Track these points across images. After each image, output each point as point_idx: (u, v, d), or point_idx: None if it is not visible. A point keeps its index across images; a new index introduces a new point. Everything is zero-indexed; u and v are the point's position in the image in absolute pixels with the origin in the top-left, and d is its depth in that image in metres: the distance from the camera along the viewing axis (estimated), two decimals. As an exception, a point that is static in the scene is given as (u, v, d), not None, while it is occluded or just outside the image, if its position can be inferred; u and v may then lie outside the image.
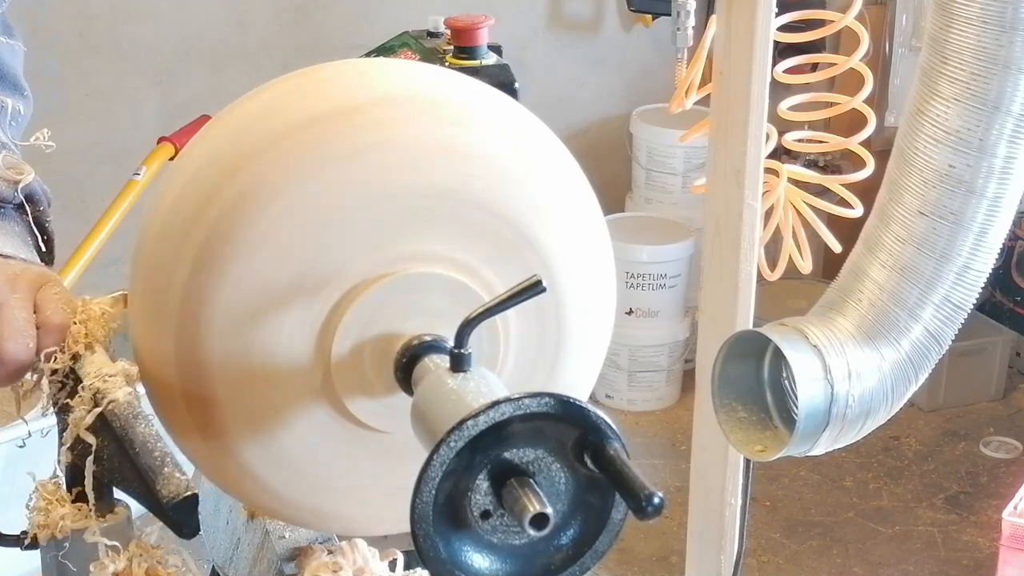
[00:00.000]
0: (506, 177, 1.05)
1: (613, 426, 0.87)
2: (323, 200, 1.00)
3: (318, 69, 1.10)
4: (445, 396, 0.92)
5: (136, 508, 1.04)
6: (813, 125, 2.52)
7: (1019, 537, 2.64)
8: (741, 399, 1.37)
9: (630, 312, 3.79)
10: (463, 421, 0.84)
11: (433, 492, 0.85)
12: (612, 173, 4.12)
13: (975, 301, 1.32)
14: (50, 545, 1.05)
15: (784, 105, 1.95)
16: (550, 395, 0.85)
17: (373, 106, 1.05)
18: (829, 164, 3.88)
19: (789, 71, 1.91)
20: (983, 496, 3.46)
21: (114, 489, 1.04)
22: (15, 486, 1.19)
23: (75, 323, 1.06)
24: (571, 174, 1.11)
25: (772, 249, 1.84)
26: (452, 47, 2.85)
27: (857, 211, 1.87)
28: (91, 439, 1.00)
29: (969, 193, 1.25)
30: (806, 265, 1.93)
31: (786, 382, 1.35)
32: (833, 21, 1.88)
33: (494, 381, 0.94)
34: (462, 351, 0.93)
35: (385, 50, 2.96)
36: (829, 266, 3.17)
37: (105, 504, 1.04)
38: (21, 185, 1.07)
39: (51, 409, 1.07)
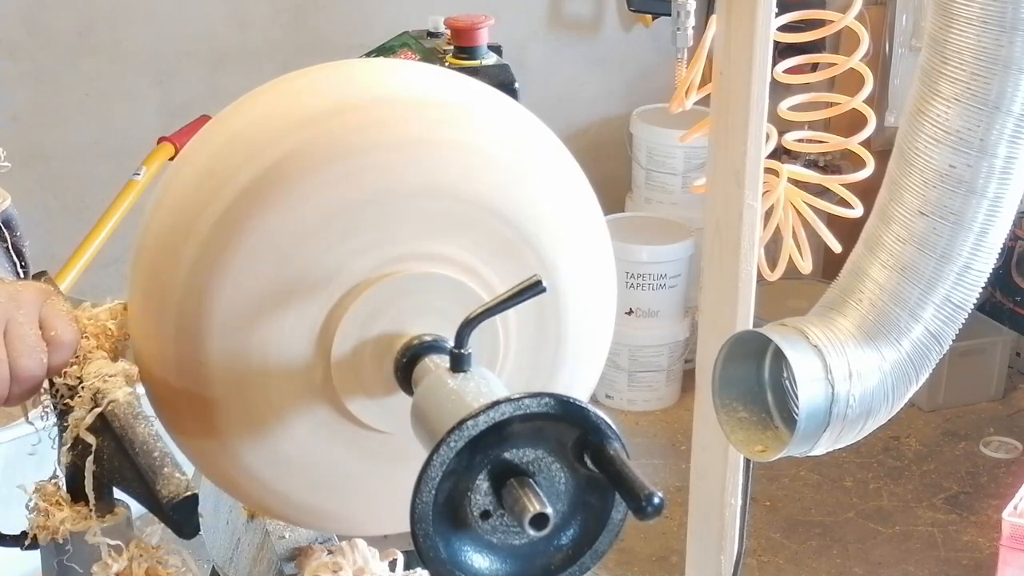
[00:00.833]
0: (506, 177, 1.05)
1: (613, 426, 0.87)
2: (323, 200, 1.00)
3: (317, 69, 1.10)
4: (445, 396, 0.92)
5: (136, 508, 1.04)
6: (813, 125, 2.52)
7: (1019, 537, 2.64)
8: (741, 399, 1.37)
9: (630, 312, 3.79)
10: (463, 421, 0.84)
11: (433, 492, 0.85)
12: (612, 173, 4.12)
13: (975, 301, 1.32)
14: (50, 546, 1.05)
15: (784, 105, 1.95)
16: (550, 395, 0.85)
17: (373, 106, 1.05)
18: (829, 164, 3.88)
19: (789, 71, 1.91)
20: (983, 496, 3.46)
21: (114, 489, 1.04)
22: (15, 486, 1.19)
23: (84, 337, 1.06)
24: (571, 174, 1.11)
25: (772, 249, 1.84)
26: (452, 47, 2.84)
27: (857, 211, 1.87)
28: (91, 439, 1.00)
29: (969, 193, 1.25)
30: (806, 265, 1.93)
31: (787, 382, 1.35)
32: (833, 21, 1.88)
33: (494, 381, 0.94)
34: (462, 351, 0.93)
35: (385, 50, 2.95)
36: (829, 266, 3.17)
37: (105, 504, 1.04)
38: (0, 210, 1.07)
39: (51, 410, 1.07)
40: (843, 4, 2.22)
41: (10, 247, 1.08)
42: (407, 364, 1.01)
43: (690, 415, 1.87)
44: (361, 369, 1.03)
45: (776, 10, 1.63)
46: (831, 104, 1.98)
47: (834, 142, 2.03)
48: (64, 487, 1.05)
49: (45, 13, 3.57)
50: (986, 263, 1.29)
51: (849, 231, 1.51)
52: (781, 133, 1.90)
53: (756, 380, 1.37)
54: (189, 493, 0.94)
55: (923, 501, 3.45)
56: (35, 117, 3.63)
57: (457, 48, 2.82)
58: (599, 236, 1.12)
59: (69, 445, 1.02)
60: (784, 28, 1.75)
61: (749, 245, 1.70)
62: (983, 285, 1.31)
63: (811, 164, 3.76)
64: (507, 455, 0.87)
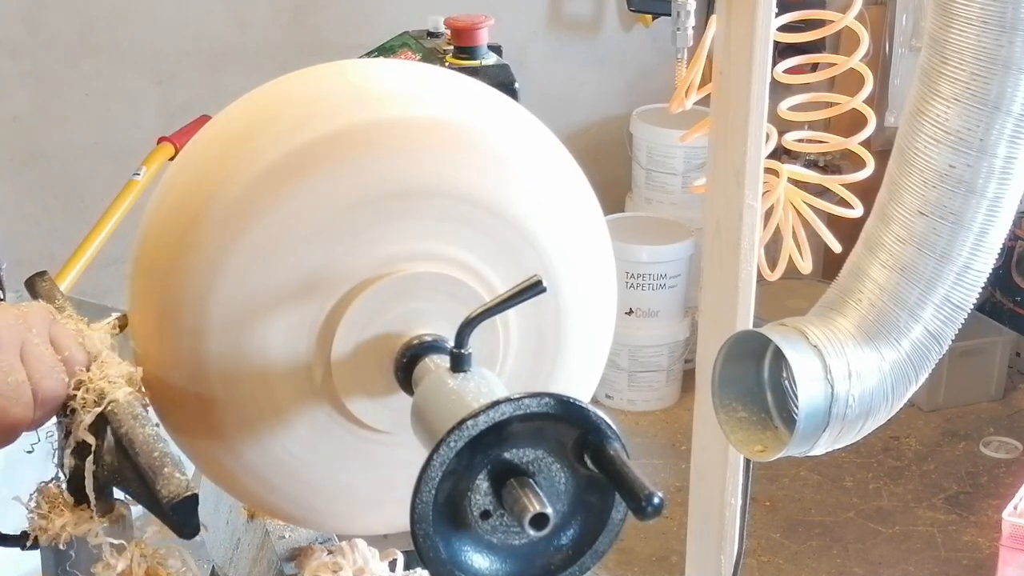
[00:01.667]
0: (506, 177, 1.05)
1: (613, 426, 0.87)
2: (323, 200, 1.00)
3: (317, 69, 1.11)
4: (445, 396, 0.92)
5: (136, 508, 1.04)
6: (813, 125, 2.52)
7: (1019, 537, 2.64)
8: (741, 399, 1.37)
9: (630, 312, 3.79)
10: (463, 421, 0.84)
11: (433, 492, 0.85)
12: (612, 173, 4.12)
13: (975, 301, 1.32)
14: (51, 547, 1.05)
15: (784, 105, 1.94)
16: (550, 395, 0.85)
17: (372, 107, 1.05)
18: (829, 164, 3.88)
19: (789, 71, 1.91)
20: (983, 496, 3.46)
21: (114, 489, 1.04)
22: (15, 486, 1.19)
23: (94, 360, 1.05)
24: (571, 174, 1.11)
25: (772, 249, 1.84)
26: (452, 47, 2.84)
27: (857, 211, 1.87)
28: (91, 439, 1.00)
29: (969, 193, 1.25)
30: (806, 265, 1.93)
31: (786, 382, 1.35)
32: (833, 21, 1.88)
33: (494, 381, 0.94)
34: (462, 351, 0.93)
35: (385, 50, 2.95)
36: (829, 266, 3.17)
37: (105, 504, 1.04)
38: None
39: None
40: (843, 4, 2.22)
41: None
42: (407, 364, 1.01)
43: (690, 415, 1.87)
44: (361, 369, 1.03)
45: (776, 10, 1.63)
46: (831, 104, 1.98)
47: (834, 142, 2.02)
48: (65, 488, 1.05)
49: (45, 13, 3.57)
50: (986, 263, 1.29)
51: (849, 231, 1.51)
52: (781, 133, 1.89)
53: (756, 380, 1.37)
54: (189, 493, 0.94)
55: (923, 501, 3.45)
56: (35, 117, 3.63)
57: (457, 48, 2.82)
58: (599, 236, 1.12)
59: (72, 448, 1.02)
60: (784, 28, 1.75)
61: (749, 245, 1.70)
62: (983, 285, 1.31)
63: (811, 164, 3.76)
64: (507, 455, 0.87)
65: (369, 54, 2.95)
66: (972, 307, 1.32)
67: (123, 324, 1.07)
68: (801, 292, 3.17)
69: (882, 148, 1.84)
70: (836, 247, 1.90)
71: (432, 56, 2.83)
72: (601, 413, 0.87)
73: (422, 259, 1.03)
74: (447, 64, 2.74)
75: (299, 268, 1.01)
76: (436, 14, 2.98)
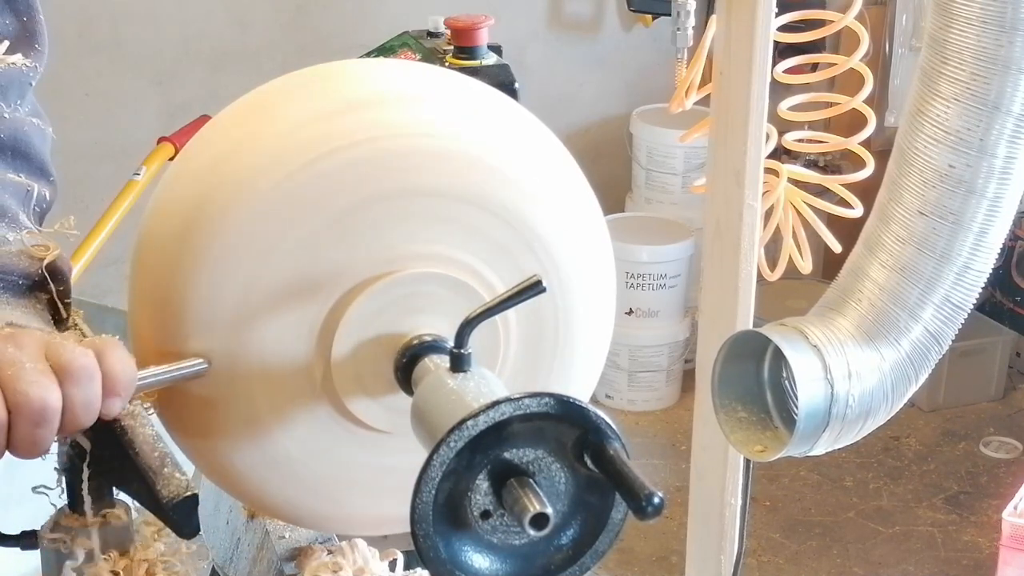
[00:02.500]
0: (506, 177, 1.05)
1: (613, 426, 0.87)
2: (322, 200, 1.00)
3: (317, 69, 1.11)
4: (445, 396, 0.92)
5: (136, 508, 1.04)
6: (813, 125, 2.52)
7: (1019, 537, 2.64)
8: (741, 399, 1.37)
9: (630, 312, 3.79)
10: (463, 421, 0.84)
11: (433, 492, 0.85)
12: (612, 173, 4.12)
13: (975, 301, 1.32)
14: (51, 548, 1.05)
15: (784, 105, 1.94)
16: (550, 395, 0.85)
17: (372, 107, 1.05)
18: (829, 164, 3.88)
19: (789, 71, 1.91)
20: (983, 496, 3.46)
21: (114, 489, 1.04)
22: (15, 486, 1.19)
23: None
24: (571, 174, 1.11)
25: (772, 249, 1.84)
26: (452, 47, 2.85)
27: (857, 211, 1.87)
28: (85, 443, 1.00)
29: (969, 193, 1.25)
30: (806, 265, 1.93)
31: (786, 382, 1.35)
32: (833, 21, 1.88)
33: (494, 381, 0.94)
34: (462, 351, 0.93)
35: (385, 50, 2.96)
36: (829, 266, 3.17)
37: (105, 504, 1.04)
38: (46, 262, 1.06)
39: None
40: (843, 4, 2.22)
41: (54, 297, 1.07)
42: (407, 364, 1.01)
43: (690, 415, 1.87)
44: (361, 369, 1.03)
45: (776, 10, 1.63)
46: (831, 104, 1.98)
47: (834, 142, 2.02)
48: (64, 490, 1.05)
49: (45, 13, 3.56)
50: (986, 263, 1.29)
51: (849, 231, 1.51)
52: (781, 133, 1.89)
53: (755, 380, 1.37)
54: (189, 493, 0.94)
55: (923, 501, 3.45)
56: (35, 117, 3.63)
57: (457, 48, 2.82)
58: (599, 236, 1.12)
59: (69, 449, 1.02)
60: (784, 28, 1.75)
61: (749, 245, 1.70)
62: (983, 285, 1.31)
63: (811, 164, 3.76)
64: (507, 455, 0.87)
65: (369, 54, 2.95)
66: (972, 307, 1.32)
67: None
68: (801, 292, 3.16)
69: (882, 148, 1.84)
70: (836, 247, 1.90)
71: (432, 56, 2.84)
72: (601, 413, 0.87)
73: (422, 259, 1.03)
74: (447, 64, 2.75)
75: (299, 268, 1.01)
76: (436, 14, 2.98)
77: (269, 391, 1.03)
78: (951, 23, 1.23)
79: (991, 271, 1.31)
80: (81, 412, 0.93)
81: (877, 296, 1.30)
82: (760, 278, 1.76)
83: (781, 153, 2.14)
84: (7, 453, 0.93)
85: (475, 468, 0.87)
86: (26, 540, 1.07)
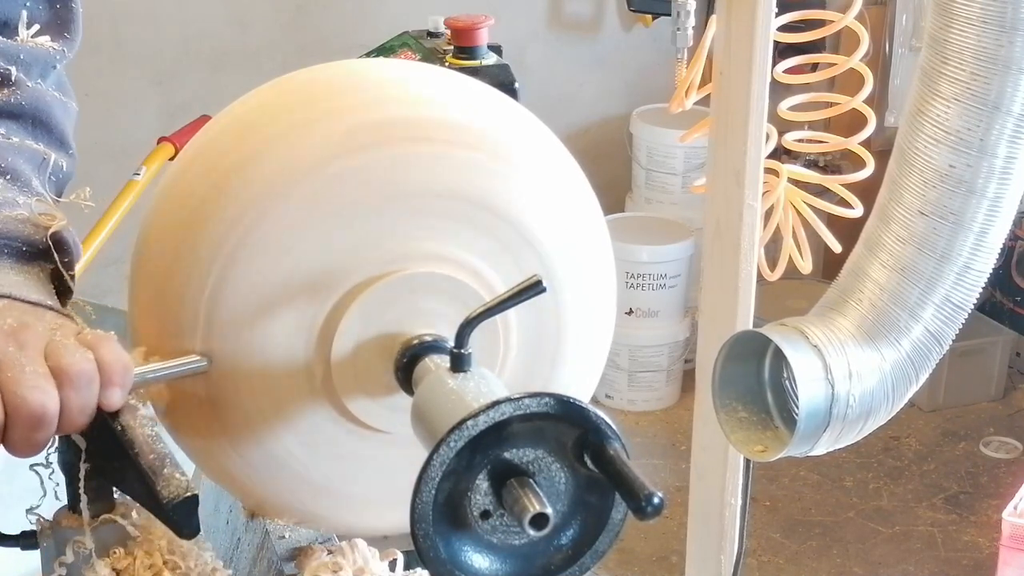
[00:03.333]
0: (506, 177, 1.05)
1: (613, 426, 0.87)
2: (323, 201, 1.00)
3: (317, 70, 1.11)
4: (445, 396, 0.92)
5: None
6: (813, 125, 2.52)
7: (1019, 537, 2.64)
8: (741, 399, 1.37)
9: (630, 312, 3.79)
10: (463, 421, 0.84)
11: (433, 492, 0.85)
12: (612, 173, 4.12)
13: (975, 301, 1.32)
14: (51, 546, 1.05)
15: (784, 105, 1.95)
16: (550, 395, 0.85)
17: (372, 107, 1.05)
18: (829, 164, 3.88)
19: (789, 71, 1.91)
20: (983, 496, 3.46)
21: (114, 489, 1.04)
22: (15, 486, 1.19)
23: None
24: (571, 174, 1.11)
25: (772, 249, 1.84)
26: (452, 47, 2.85)
27: (857, 211, 1.87)
28: (81, 442, 1.00)
29: (969, 193, 1.25)
30: (806, 265, 1.93)
31: (786, 382, 1.35)
32: (833, 21, 1.88)
33: (494, 381, 0.94)
34: (462, 351, 0.93)
35: (385, 50, 2.96)
36: (829, 266, 3.18)
37: (105, 504, 1.04)
38: (51, 231, 1.07)
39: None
40: (843, 4, 2.22)
41: (58, 268, 1.07)
42: (407, 364, 1.01)
43: (690, 415, 1.87)
44: (361, 369, 1.03)
45: (776, 10, 1.63)
46: (831, 104, 1.98)
47: (834, 142, 2.03)
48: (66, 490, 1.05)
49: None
50: (986, 263, 1.29)
51: (849, 231, 1.51)
52: (781, 133, 1.90)
53: (756, 380, 1.37)
54: (189, 493, 0.94)
55: (923, 501, 3.45)
56: (35, 117, 3.63)
57: (457, 48, 2.82)
58: (599, 236, 1.12)
59: (63, 448, 1.02)
60: (784, 28, 1.75)
61: (749, 245, 1.70)
62: (983, 285, 1.31)
63: (811, 164, 3.76)
64: (507, 455, 0.87)
65: (369, 54, 2.95)
66: (972, 307, 1.32)
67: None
68: (801, 292, 3.16)
69: (882, 148, 1.84)
70: (836, 247, 1.90)
71: (432, 56, 2.84)
72: (601, 413, 0.87)
73: (422, 259, 1.03)
74: (447, 64, 2.75)
75: (299, 268, 1.01)
76: (436, 14, 2.98)
77: (269, 391, 1.03)
78: (951, 23, 1.23)
79: (991, 271, 1.31)
80: (78, 415, 0.94)
81: (877, 296, 1.31)
82: (760, 278, 1.76)
83: (781, 153, 2.15)
84: (7, 454, 0.93)
85: (475, 468, 0.87)
86: (26, 540, 1.07)
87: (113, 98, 3.70)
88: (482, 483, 0.87)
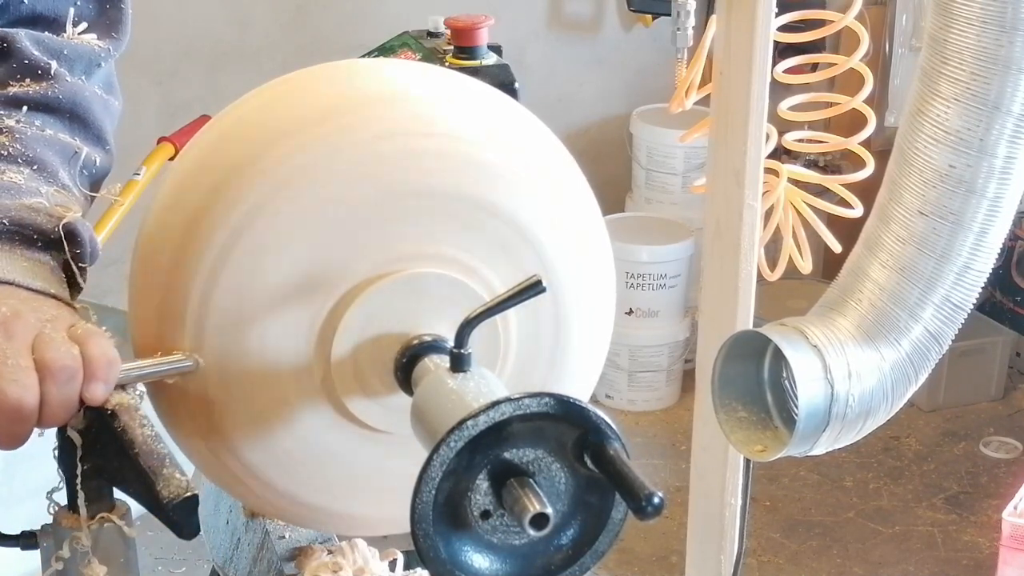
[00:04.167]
0: (506, 177, 1.05)
1: (613, 426, 0.87)
2: (323, 201, 1.01)
3: (317, 70, 1.11)
4: (445, 396, 0.92)
5: (136, 508, 1.04)
6: (813, 125, 2.52)
7: (1019, 537, 2.64)
8: (741, 399, 1.37)
9: (630, 312, 3.79)
10: (463, 421, 0.84)
11: (433, 492, 0.85)
12: (612, 173, 4.12)
13: (975, 301, 1.32)
14: (50, 546, 1.05)
15: (784, 105, 1.94)
16: (550, 395, 0.85)
17: (372, 107, 1.05)
18: (829, 164, 3.88)
19: (789, 71, 1.91)
20: (983, 496, 3.46)
21: (114, 489, 1.04)
22: (15, 486, 1.19)
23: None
24: (570, 174, 1.11)
25: (772, 249, 1.84)
26: (452, 47, 2.85)
27: (857, 211, 1.87)
28: (76, 438, 1.00)
29: (969, 193, 1.25)
30: (806, 265, 1.93)
31: (786, 382, 1.35)
32: (833, 21, 1.88)
33: (494, 381, 0.94)
34: (462, 351, 0.93)
35: (385, 50, 2.96)
36: (829, 266, 3.17)
37: (105, 504, 1.04)
38: (64, 222, 1.07)
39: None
40: (843, 4, 2.22)
41: (68, 259, 1.09)
42: (407, 364, 1.01)
43: (690, 415, 1.87)
44: (361, 369, 1.03)
45: (776, 10, 1.63)
46: (831, 104, 1.98)
47: (834, 142, 2.02)
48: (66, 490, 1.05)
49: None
50: (986, 263, 1.29)
51: (849, 231, 1.51)
52: (781, 133, 1.89)
53: (756, 380, 1.37)
54: (189, 493, 0.94)
55: (923, 501, 3.45)
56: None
57: (457, 48, 2.82)
58: (599, 236, 1.12)
59: (60, 446, 1.02)
60: (784, 28, 1.75)
61: (749, 245, 1.70)
62: (983, 285, 1.31)
63: (811, 164, 3.75)
64: (507, 455, 0.87)
65: (369, 54, 2.95)
66: (972, 307, 1.32)
67: None
68: (801, 292, 3.16)
69: (882, 148, 1.84)
70: (836, 247, 1.90)
71: (432, 56, 2.84)
72: (601, 413, 0.87)
73: (422, 259, 1.03)
74: (447, 64, 2.75)
75: (299, 268, 1.01)
76: (436, 14, 2.98)
77: (269, 391, 1.03)
78: (951, 23, 1.23)
79: (991, 271, 1.31)
80: (58, 409, 0.96)
81: (877, 296, 1.31)
82: (760, 278, 1.76)
83: (781, 153, 2.14)
84: (7, 455, 0.94)
85: (475, 468, 0.87)
86: (26, 540, 1.07)
87: (113, 98, 3.69)
88: (482, 483, 0.87)
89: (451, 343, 0.95)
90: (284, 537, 1.21)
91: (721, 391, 1.36)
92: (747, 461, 1.72)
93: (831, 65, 1.97)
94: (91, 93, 1.24)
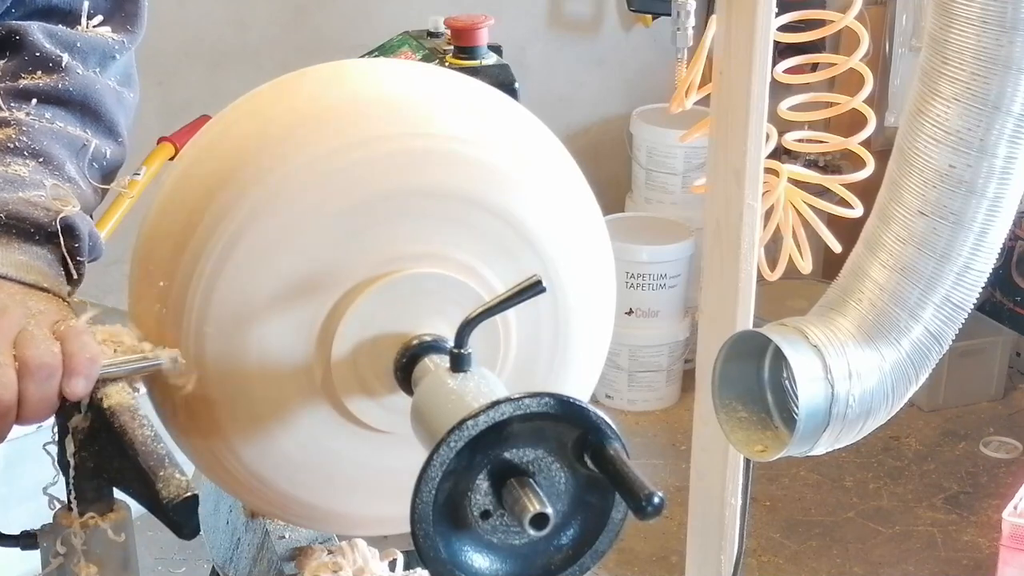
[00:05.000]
0: (506, 177, 1.05)
1: (613, 426, 0.87)
2: (323, 201, 1.00)
3: (317, 70, 1.11)
4: (445, 396, 0.92)
5: (136, 508, 1.04)
6: (813, 125, 2.52)
7: (1019, 537, 2.64)
8: (741, 399, 1.37)
9: (630, 312, 3.79)
10: (463, 421, 0.84)
11: (433, 492, 0.85)
12: (612, 173, 4.12)
13: (975, 301, 1.32)
14: (50, 546, 1.05)
15: (784, 105, 1.95)
16: (550, 395, 0.85)
17: (372, 106, 1.05)
18: (829, 164, 3.88)
19: (789, 71, 1.91)
20: (983, 496, 3.46)
21: (114, 489, 1.04)
22: (15, 486, 1.19)
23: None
24: (570, 174, 1.11)
25: (772, 249, 1.84)
26: (452, 47, 2.85)
27: (857, 211, 1.87)
28: (70, 439, 1.00)
29: (969, 193, 1.25)
30: (806, 265, 1.93)
31: (786, 382, 1.35)
32: (833, 21, 1.88)
33: (494, 381, 0.94)
34: (462, 351, 0.93)
35: (385, 50, 2.96)
36: (829, 266, 3.17)
37: (105, 504, 1.04)
38: (61, 216, 1.08)
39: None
40: (843, 4, 2.22)
41: (64, 254, 1.09)
42: (407, 364, 1.01)
43: (690, 415, 1.87)
44: (361, 369, 1.03)
45: (776, 10, 1.63)
46: (831, 104, 1.98)
47: (834, 142, 2.03)
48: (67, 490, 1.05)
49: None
50: (986, 263, 1.29)
51: (849, 231, 1.51)
52: (781, 133, 1.90)
53: (756, 380, 1.37)
54: (189, 493, 0.94)
55: (923, 501, 3.45)
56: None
57: (457, 48, 2.82)
58: (599, 236, 1.12)
59: (61, 445, 1.02)
60: (784, 28, 1.75)
61: (749, 245, 1.70)
62: (983, 285, 1.31)
63: (811, 164, 3.75)
64: (507, 455, 0.87)
65: (369, 54, 2.95)
66: (972, 307, 1.32)
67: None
68: (801, 292, 3.17)
69: (882, 148, 1.84)
70: (836, 247, 1.90)
71: (432, 56, 2.84)
72: (601, 413, 0.87)
73: (422, 259, 1.03)
74: (447, 64, 2.75)
75: (299, 269, 1.01)
76: (436, 14, 2.98)
77: (269, 391, 1.03)
78: (951, 23, 1.23)
79: (991, 271, 1.31)
80: (37, 406, 0.97)
81: (877, 296, 1.31)
82: (760, 278, 1.76)
83: (781, 153, 2.15)
84: (7, 453, 0.94)
85: (475, 468, 0.86)
86: (26, 540, 1.07)
87: (113, 98, 3.69)
88: (482, 483, 0.87)
89: (451, 343, 0.95)
90: (284, 537, 1.21)
91: (721, 391, 1.36)
92: (747, 461, 1.72)
93: (831, 65, 1.97)
94: (103, 85, 1.24)
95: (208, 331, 1.01)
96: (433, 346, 1.01)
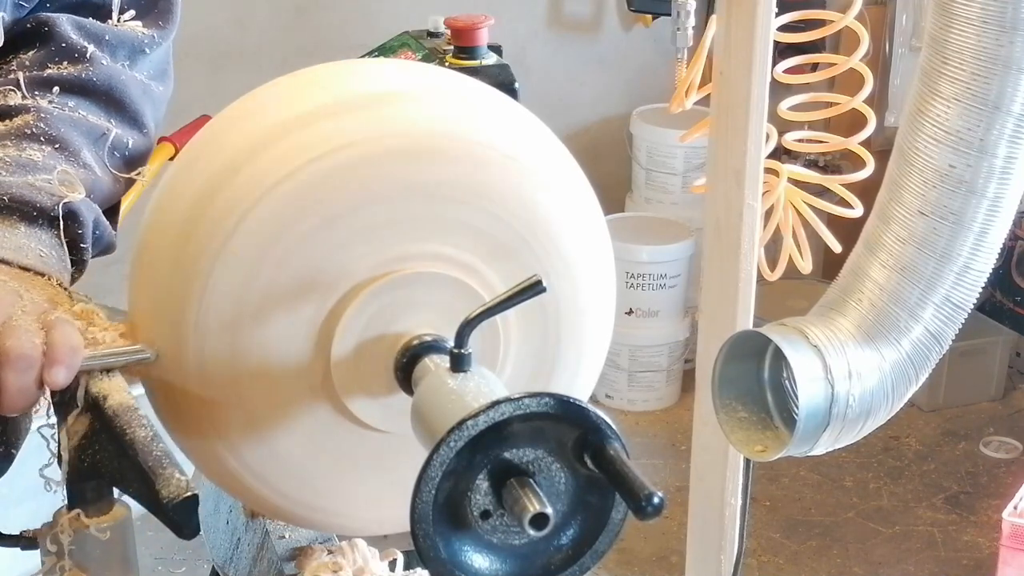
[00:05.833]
0: (506, 177, 1.05)
1: (613, 426, 0.87)
2: (322, 201, 1.00)
3: (317, 69, 1.11)
4: (445, 396, 0.92)
5: (136, 508, 1.04)
6: (813, 125, 2.52)
7: (1019, 537, 2.65)
8: (741, 399, 1.37)
9: (630, 312, 3.79)
10: (463, 421, 0.84)
11: (433, 492, 0.85)
12: (612, 173, 4.12)
13: (975, 301, 1.32)
14: (51, 548, 1.05)
15: (784, 105, 1.95)
16: (550, 395, 0.85)
17: (372, 107, 1.05)
18: (829, 164, 3.88)
19: (789, 71, 1.91)
20: (983, 496, 3.46)
21: (114, 489, 1.04)
22: (15, 486, 1.19)
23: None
24: (571, 174, 1.11)
25: (772, 249, 1.84)
26: (452, 47, 2.85)
27: (857, 211, 1.87)
28: (64, 438, 1.00)
29: (969, 193, 1.25)
30: (806, 265, 1.93)
31: (786, 382, 1.35)
32: (833, 21, 1.88)
33: (494, 381, 0.94)
34: (462, 351, 0.93)
35: (385, 50, 2.96)
36: (829, 266, 3.18)
37: (105, 504, 1.04)
38: (63, 201, 1.08)
39: (50, 408, 1.07)
40: (843, 4, 2.22)
41: (65, 239, 1.10)
42: (407, 364, 1.01)
43: (690, 415, 1.87)
44: (361, 369, 1.03)
45: (776, 10, 1.63)
46: (831, 104, 1.98)
47: (834, 142, 2.03)
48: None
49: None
50: (986, 263, 1.29)
51: (849, 231, 1.51)
52: (781, 133, 1.90)
53: (756, 380, 1.37)
54: (189, 493, 0.94)
55: (923, 501, 3.45)
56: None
57: (457, 48, 2.82)
58: (599, 236, 1.12)
59: (67, 444, 1.02)
60: (784, 28, 1.75)
61: (749, 245, 1.70)
62: (983, 285, 1.31)
63: (811, 164, 3.76)
64: (507, 455, 0.87)
65: (369, 54, 2.95)
66: (972, 307, 1.32)
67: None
68: (801, 292, 3.16)
69: (882, 148, 1.84)
70: (836, 247, 1.90)
71: (432, 56, 2.84)
72: (601, 413, 0.87)
73: (422, 259, 1.03)
74: (447, 64, 2.75)
75: (299, 268, 1.01)
76: (436, 14, 2.98)
77: (269, 391, 1.03)
78: (951, 23, 1.23)
79: (991, 271, 1.31)
80: (16, 396, 0.97)
81: (877, 296, 1.31)
82: (760, 278, 1.76)
83: (781, 153, 2.15)
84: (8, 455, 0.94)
85: (475, 468, 0.86)
86: (26, 540, 1.07)
87: (113, 98, 3.69)
88: (482, 483, 0.87)
89: (451, 343, 0.95)
90: (284, 537, 1.21)
91: (721, 391, 1.36)
92: (747, 461, 1.72)
93: (831, 65, 1.97)
94: (128, 77, 1.25)
95: (208, 331, 1.01)
96: (433, 346, 1.01)
